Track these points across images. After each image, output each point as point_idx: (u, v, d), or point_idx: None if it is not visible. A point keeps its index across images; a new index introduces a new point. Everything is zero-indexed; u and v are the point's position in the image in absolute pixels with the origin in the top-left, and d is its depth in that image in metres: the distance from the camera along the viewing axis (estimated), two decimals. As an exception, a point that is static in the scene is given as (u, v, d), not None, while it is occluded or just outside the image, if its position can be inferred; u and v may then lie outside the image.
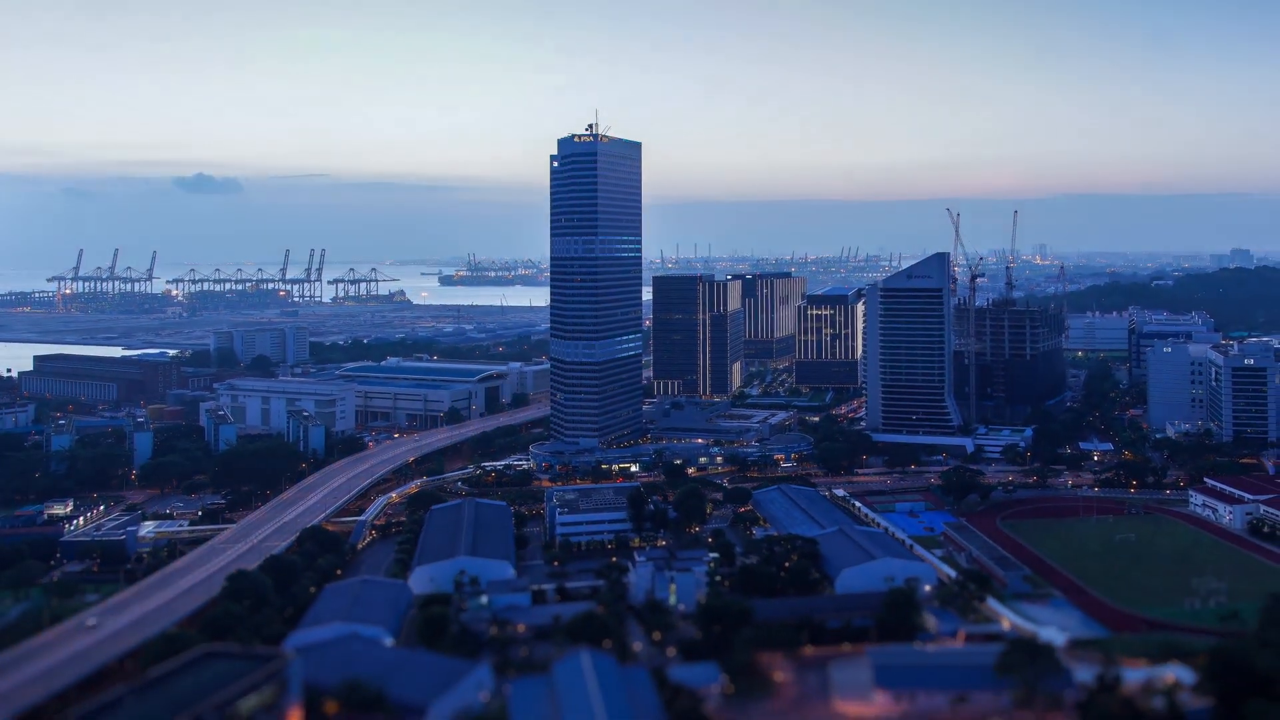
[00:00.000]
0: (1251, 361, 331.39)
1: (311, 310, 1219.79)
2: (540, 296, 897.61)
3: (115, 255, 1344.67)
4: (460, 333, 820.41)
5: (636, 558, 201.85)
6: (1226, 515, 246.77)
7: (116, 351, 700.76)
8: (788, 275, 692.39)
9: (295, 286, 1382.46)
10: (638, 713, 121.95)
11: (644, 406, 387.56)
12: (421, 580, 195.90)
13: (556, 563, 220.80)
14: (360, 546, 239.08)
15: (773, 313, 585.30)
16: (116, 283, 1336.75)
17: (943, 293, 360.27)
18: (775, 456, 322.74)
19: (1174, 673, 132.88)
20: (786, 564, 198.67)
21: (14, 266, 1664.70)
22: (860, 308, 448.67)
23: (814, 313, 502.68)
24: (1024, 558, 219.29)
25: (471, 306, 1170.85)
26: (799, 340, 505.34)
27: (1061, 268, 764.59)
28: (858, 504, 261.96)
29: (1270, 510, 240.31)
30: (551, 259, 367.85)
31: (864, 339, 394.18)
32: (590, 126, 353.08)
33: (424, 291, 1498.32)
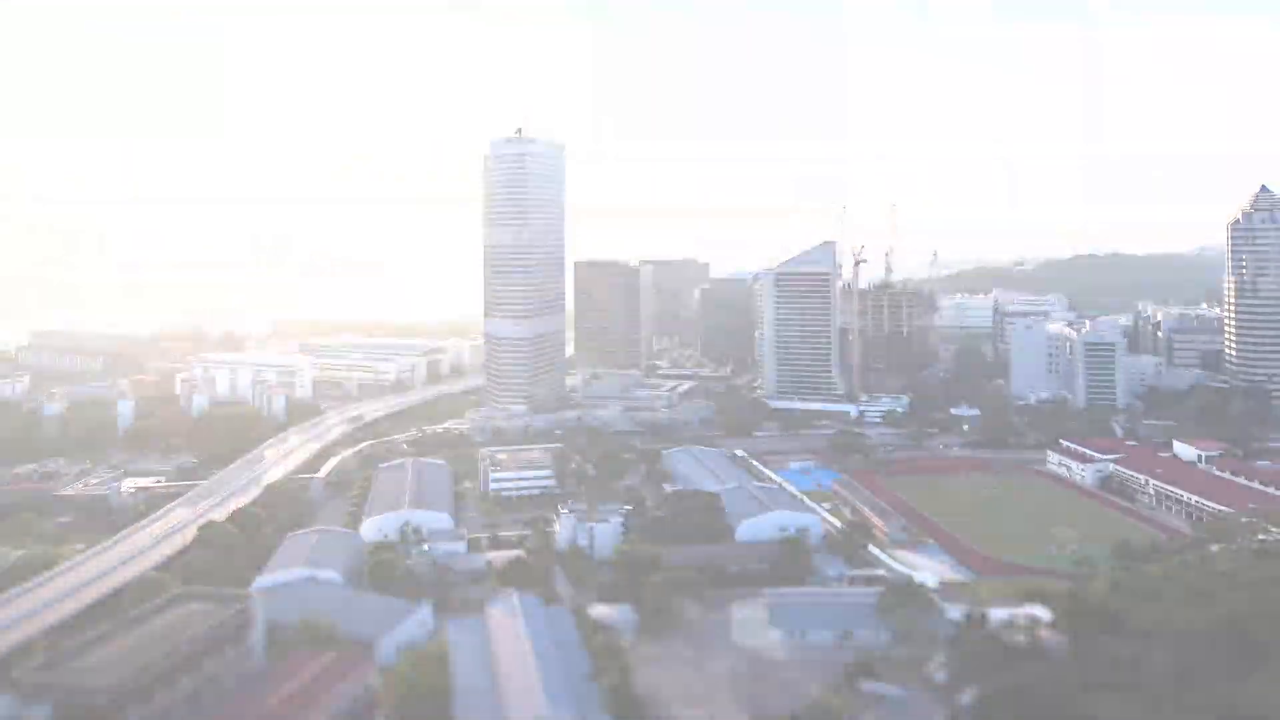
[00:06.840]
0: (1101, 337, 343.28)
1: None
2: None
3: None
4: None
5: (560, 510, 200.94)
6: (1080, 473, 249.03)
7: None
8: (693, 260, 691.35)
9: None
10: (561, 647, 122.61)
11: (567, 378, 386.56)
12: (371, 530, 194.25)
13: (490, 515, 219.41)
14: (317, 501, 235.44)
15: (680, 294, 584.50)
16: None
17: (830, 276, 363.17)
18: (683, 421, 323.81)
19: (1034, 612, 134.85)
20: (693, 516, 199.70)
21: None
22: (758, 289, 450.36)
23: (717, 294, 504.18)
24: (902, 510, 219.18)
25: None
26: (703, 318, 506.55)
27: (934, 254, 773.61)
28: (756, 463, 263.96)
29: (1118, 468, 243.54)
30: (485, 246, 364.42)
31: (761, 317, 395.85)
32: (519, 130, 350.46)
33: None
